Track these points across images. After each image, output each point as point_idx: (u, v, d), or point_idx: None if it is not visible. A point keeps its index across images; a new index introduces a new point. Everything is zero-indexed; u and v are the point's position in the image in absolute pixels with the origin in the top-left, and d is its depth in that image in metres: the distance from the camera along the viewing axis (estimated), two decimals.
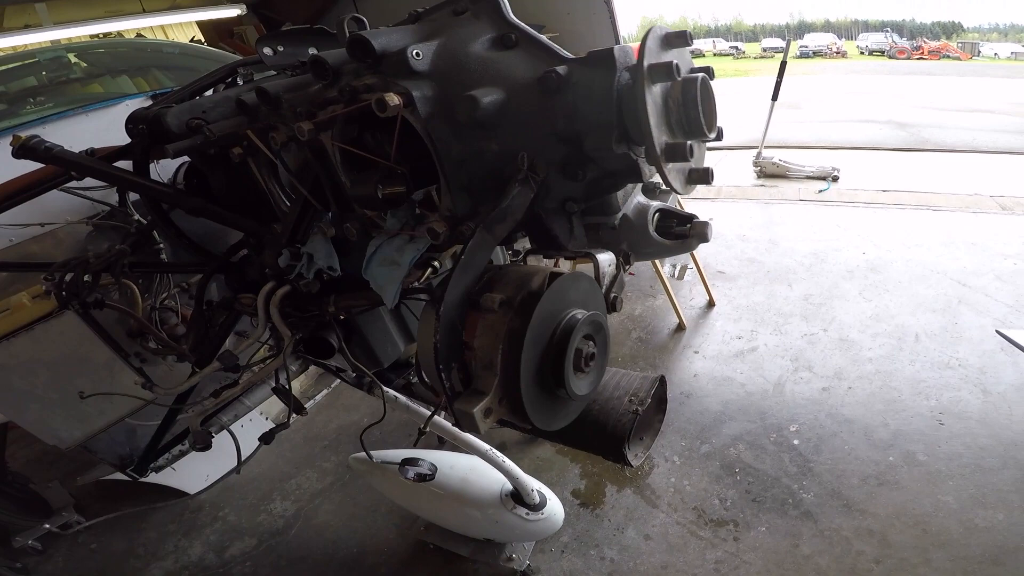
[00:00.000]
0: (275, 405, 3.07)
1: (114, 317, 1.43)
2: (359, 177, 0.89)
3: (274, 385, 1.34)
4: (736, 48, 44.04)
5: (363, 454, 2.26)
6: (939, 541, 2.00)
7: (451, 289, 0.75)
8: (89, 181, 1.26)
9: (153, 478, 2.50)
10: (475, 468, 1.97)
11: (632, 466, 1.23)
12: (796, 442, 2.56)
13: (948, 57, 34.38)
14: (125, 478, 2.42)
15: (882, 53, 33.52)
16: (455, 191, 0.82)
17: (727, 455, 2.52)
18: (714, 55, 42.51)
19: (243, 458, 1.71)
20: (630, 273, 4.00)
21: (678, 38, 0.77)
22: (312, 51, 1.25)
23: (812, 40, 36.21)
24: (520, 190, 0.79)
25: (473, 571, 2.15)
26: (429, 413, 1.81)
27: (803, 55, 33.68)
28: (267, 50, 1.21)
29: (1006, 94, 15.00)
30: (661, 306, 3.79)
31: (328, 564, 2.35)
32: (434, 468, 1.72)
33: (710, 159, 6.98)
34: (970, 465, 2.30)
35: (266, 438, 1.35)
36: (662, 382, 1.40)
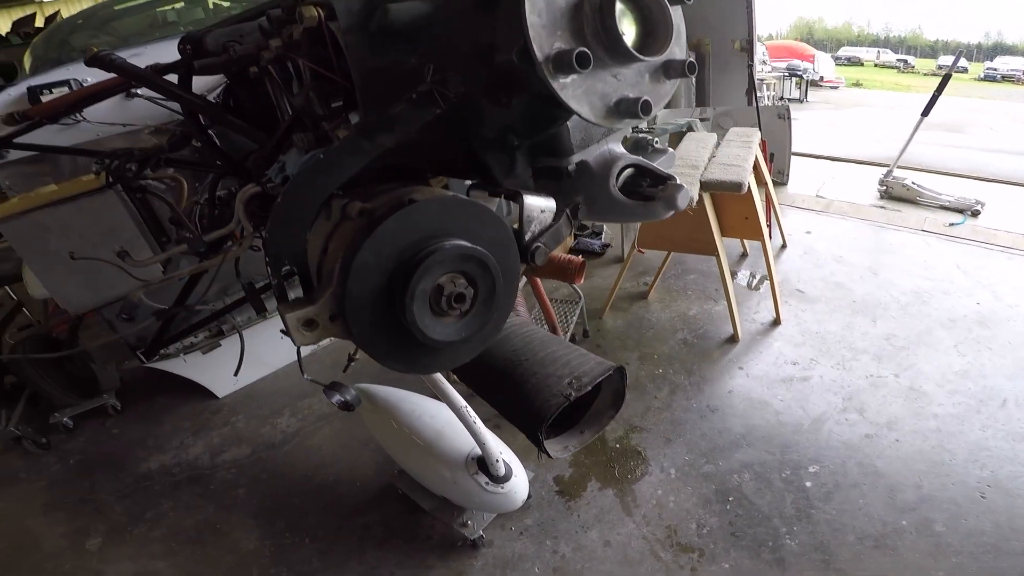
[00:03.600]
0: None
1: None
2: (302, 91, 0.93)
3: (249, 282, 1.37)
4: (904, 62, 40.08)
5: (366, 385, 2.15)
6: None
7: (297, 180, 0.73)
8: None
9: (189, 374, 2.76)
10: (453, 424, 1.89)
11: (551, 456, 1.08)
12: (809, 484, 2.31)
13: None
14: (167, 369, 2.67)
15: None
16: (366, 103, 0.82)
17: (728, 481, 2.33)
18: (875, 65, 38.58)
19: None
20: (640, 251, 3.60)
21: None
22: None
23: (1004, 63, 31.50)
24: (417, 101, 0.73)
25: (428, 525, 2.15)
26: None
27: (989, 78, 29.50)
28: None
29: None
30: (719, 312, 3.49)
31: (302, 486, 2.43)
32: (357, 399, 1.60)
33: (823, 171, 6.28)
34: (988, 545, 1.93)
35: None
36: (621, 374, 1.23)
